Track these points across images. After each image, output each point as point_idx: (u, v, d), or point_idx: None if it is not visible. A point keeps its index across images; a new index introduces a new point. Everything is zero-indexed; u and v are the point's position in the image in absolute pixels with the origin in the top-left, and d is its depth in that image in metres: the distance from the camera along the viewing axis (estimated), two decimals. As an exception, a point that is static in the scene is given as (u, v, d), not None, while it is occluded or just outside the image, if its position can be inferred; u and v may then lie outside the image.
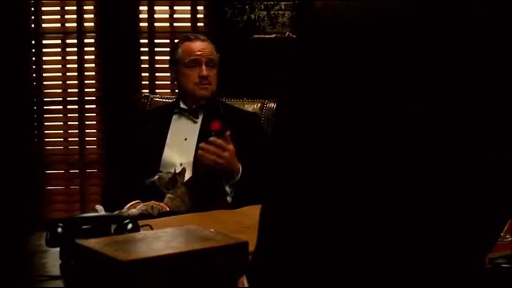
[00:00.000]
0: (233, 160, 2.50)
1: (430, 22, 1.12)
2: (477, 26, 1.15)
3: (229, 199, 2.49)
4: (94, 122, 4.07)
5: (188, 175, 2.59)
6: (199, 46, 2.74)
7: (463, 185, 1.14)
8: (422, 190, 1.11)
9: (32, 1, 3.95)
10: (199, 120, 2.71)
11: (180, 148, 2.67)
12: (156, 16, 4.02)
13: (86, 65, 4.02)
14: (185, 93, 2.74)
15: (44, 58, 4.00)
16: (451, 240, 1.16)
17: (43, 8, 3.98)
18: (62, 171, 4.08)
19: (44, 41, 4.00)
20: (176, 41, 2.99)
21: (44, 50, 3.99)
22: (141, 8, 4.01)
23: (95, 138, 4.07)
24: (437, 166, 1.11)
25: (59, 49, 4.03)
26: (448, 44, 1.12)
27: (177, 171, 2.51)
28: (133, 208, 2.42)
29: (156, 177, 2.50)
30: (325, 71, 1.09)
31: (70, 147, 4.07)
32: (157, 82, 4.03)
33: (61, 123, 4.06)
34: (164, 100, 3.03)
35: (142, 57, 4.03)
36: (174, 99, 2.85)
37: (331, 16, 1.13)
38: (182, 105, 2.74)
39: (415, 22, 1.11)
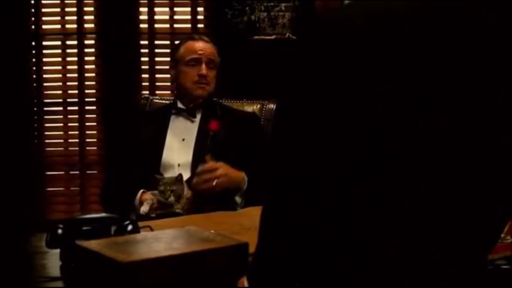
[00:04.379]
0: (232, 173, 2.47)
1: (432, 22, 1.12)
2: (481, 26, 1.15)
3: (239, 208, 2.47)
4: (94, 124, 4.06)
5: (186, 176, 2.59)
6: (201, 46, 2.75)
7: (464, 185, 1.14)
8: (422, 190, 1.11)
9: (32, 2, 3.95)
10: (197, 120, 2.71)
11: (178, 148, 2.67)
12: (156, 17, 4.02)
13: (86, 66, 4.02)
14: (183, 91, 2.75)
15: (44, 59, 4.00)
16: (452, 240, 1.16)
17: (43, 10, 3.98)
18: (62, 172, 4.08)
19: (44, 43, 3.99)
20: (176, 42, 2.99)
21: (44, 51, 3.99)
22: (141, 9, 4.01)
23: (95, 140, 4.07)
24: (437, 166, 1.11)
25: (59, 51, 4.02)
26: (451, 44, 1.12)
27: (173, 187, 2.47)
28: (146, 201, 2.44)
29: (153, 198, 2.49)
30: (329, 71, 1.09)
31: (70, 148, 4.07)
32: (157, 84, 4.02)
33: (61, 124, 4.06)
34: (163, 101, 3.03)
35: (142, 59, 4.03)
36: (172, 100, 2.85)
37: (334, 17, 1.13)
38: (179, 105, 2.74)
39: (416, 22, 1.12)
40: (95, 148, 4.07)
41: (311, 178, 1.09)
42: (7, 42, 3.87)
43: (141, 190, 2.53)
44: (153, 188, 2.53)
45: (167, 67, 3.00)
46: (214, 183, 2.41)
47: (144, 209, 2.44)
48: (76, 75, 4.02)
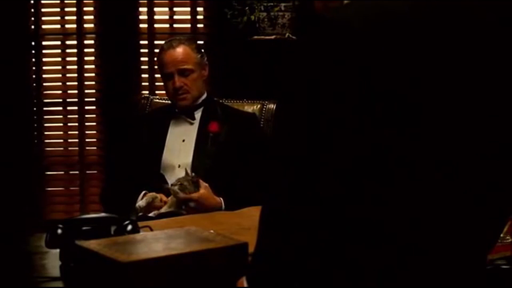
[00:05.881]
0: (208, 204, 2.47)
1: (430, 21, 1.13)
2: (480, 25, 1.15)
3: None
4: (94, 124, 4.06)
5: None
6: (169, 58, 2.69)
7: (463, 185, 1.14)
8: (422, 190, 1.11)
9: (32, 2, 3.95)
10: (196, 121, 2.72)
11: (178, 149, 2.67)
12: (156, 17, 4.02)
13: (86, 67, 4.02)
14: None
15: (44, 59, 4.00)
16: (452, 240, 1.16)
17: (43, 10, 3.98)
18: (62, 172, 4.08)
19: (44, 43, 3.99)
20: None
21: (44, 51, 3.99)
22: (141, 9, 4.01)
23: (95, 140, 4.07)
24: (437, 166, 1.11)
25: (59, 51, 4.02)
26: (450, 43, 1.12)
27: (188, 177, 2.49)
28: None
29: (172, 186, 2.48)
30: (328, 72, 1.09)
31: (70, 148, 4.07)
32: (157, 84, 4.02)
33: (61, 124, 4.06)
34: (163, 101, 3.03)
35: (142, 59, 4.03)
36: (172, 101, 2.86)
37: (333, 17, 1.13)
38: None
39: (415, 21, 1.12)
40: (95, 148, 4.08)
41: (312, 178, 1.09)
42: (7, 42, 3.87)
43: (143, 192, 2.54)
44: (154, 189, 2.53)
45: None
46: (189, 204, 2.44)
47: (141, 203, 2.44)
48: (75, 75, 4.01)
